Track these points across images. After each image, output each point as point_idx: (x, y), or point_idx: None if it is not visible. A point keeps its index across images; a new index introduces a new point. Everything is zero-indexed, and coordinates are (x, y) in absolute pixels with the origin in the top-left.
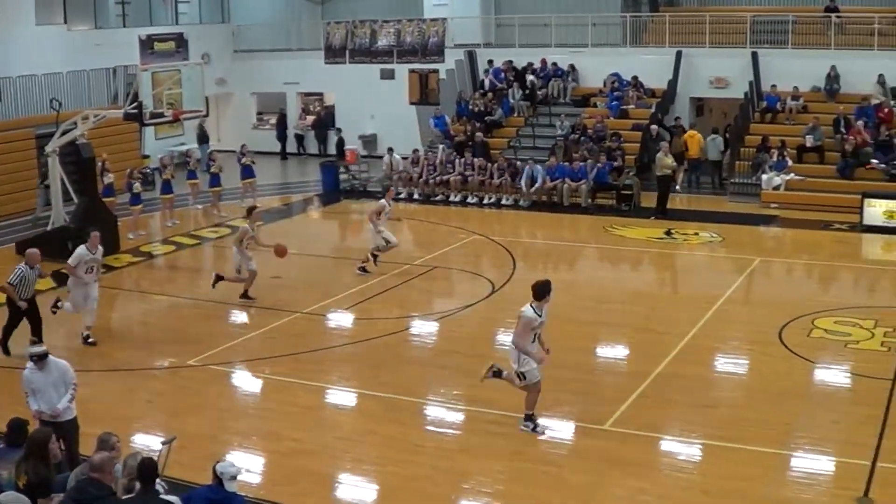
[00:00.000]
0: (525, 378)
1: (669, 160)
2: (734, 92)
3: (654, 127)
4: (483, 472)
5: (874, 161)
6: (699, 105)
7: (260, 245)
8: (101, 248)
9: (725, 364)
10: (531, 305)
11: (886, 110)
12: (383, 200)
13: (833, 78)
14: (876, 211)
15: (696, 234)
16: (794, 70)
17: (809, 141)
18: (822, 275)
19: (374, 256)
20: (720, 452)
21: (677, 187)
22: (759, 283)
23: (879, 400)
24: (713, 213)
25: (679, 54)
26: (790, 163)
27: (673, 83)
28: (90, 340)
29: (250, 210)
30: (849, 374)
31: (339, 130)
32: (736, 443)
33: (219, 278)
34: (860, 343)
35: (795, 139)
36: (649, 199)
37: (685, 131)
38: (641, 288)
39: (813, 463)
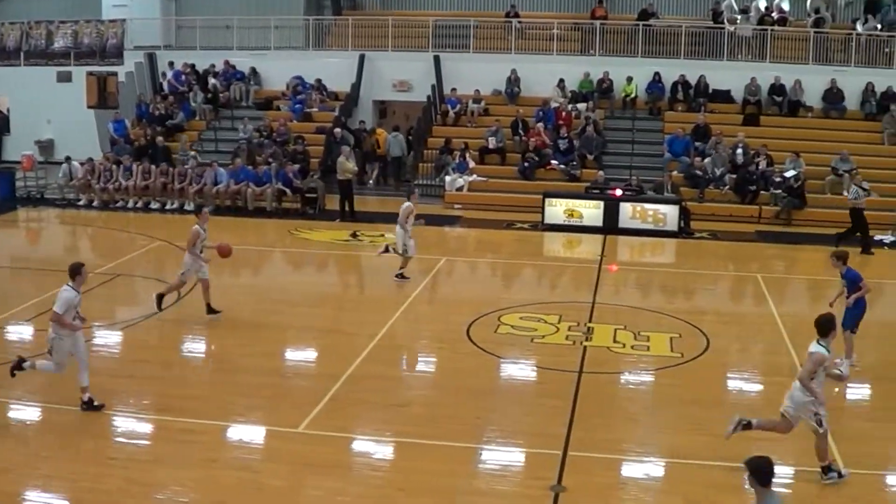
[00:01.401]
0: (823, 423)
1: (351, 164)
2: (417, 95)
3: (337, 130)
4: (177, 482)
5: (554, 162)
6: (383, 108)
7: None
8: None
9: (416, 363)
10: (819, 343)
11: (564, 113)
12: (409, 203)
13: (514, 81)
14: (557, 210)
15: (383, 235)
16: (475, 74)
17: (491, 143)
18: (506, 273)
19: (387, 249)
20: (415, 449)
21: (370, 182)
22: (446, 283)
23: (567, 392)
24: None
25: (362, 58)
26: (472, 164)
27: (356, 86)
28: (96, 403)
29: (199, 209)
30: (536, 368)
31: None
32: (430, 439)
33: (160, 297)
34: (546, 337)
35: (477, 141)
36: (334, 202)
37: (374, 130)
38: (329, 290)
39: (506, 455)
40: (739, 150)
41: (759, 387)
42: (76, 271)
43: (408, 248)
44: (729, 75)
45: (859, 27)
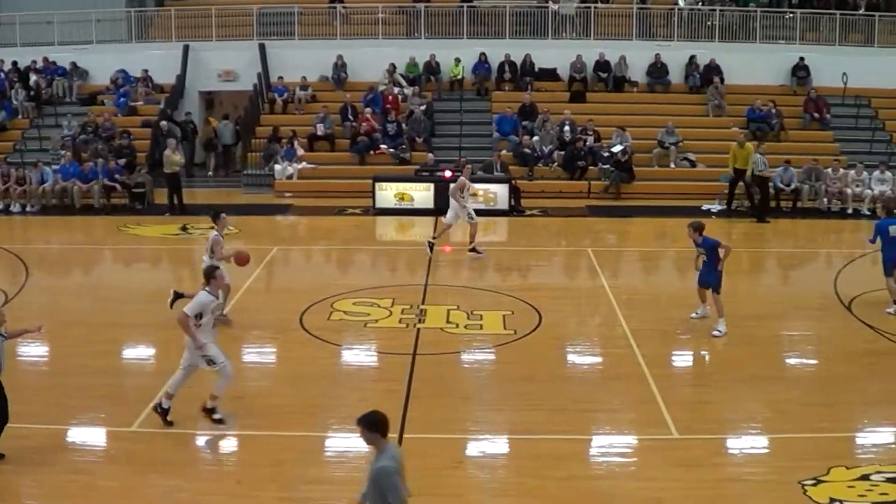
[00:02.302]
0: None
1: (178, 157)
2: (243, 84)
3: (163, 123)
4: (10, 488)
5: (383, 146)
6: (209, 98)
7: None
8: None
9: (250, 354)
10: None
11: (391, 97)
12: (463, 177)
13: (340, 67)
14: (387, 194)
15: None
16: (301, 61)
17: (320, 129)
18: (339, 259)
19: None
20: (252, 441)
21: (210, 173)
22: (278, 272)
23: (401, 374)
24: (228, 205)
25: (186, 48)
26: (301, 152)
27: (182, 78)
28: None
29: (217, 215)
30: (371, 353)
31: None
32: (267, 430)
33: (178, 296)
34: (379, 322)
35: (306, 128)
36: (163, 196)
37: (209, 120)
38: (161, 286)
39: (343, 441)
40: (567, 127)
41: (592, 359)
42: (211, 274)
43: (471, 215)
44: (554, 54)
45: (681, 2)
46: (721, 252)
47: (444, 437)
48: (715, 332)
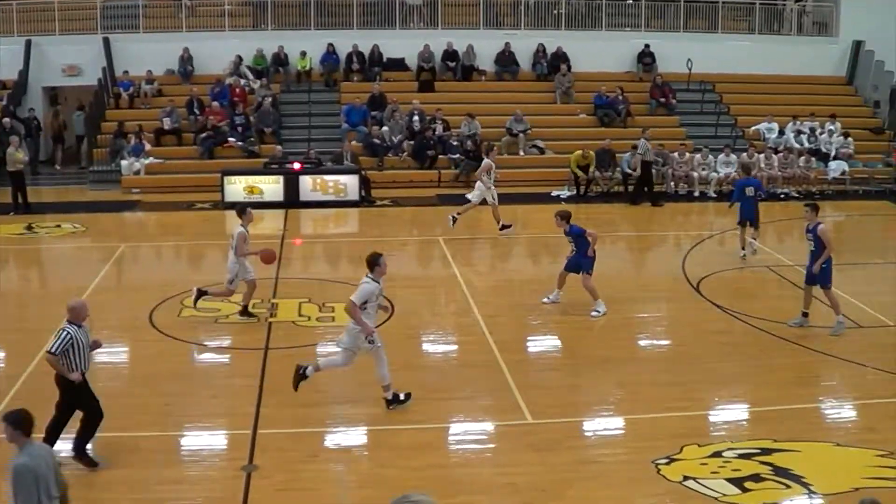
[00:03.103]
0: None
1: (21, 154)
2: (87, 79)
3: (6, 120)
4: None
5: (231, 139)
6: (53, 94)
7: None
8: None
9: (100, 354)
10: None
11: (239, 90)
12: (488, 160)
13: (186, 60)
14: (236, 188)
15: (59, 226)
16: (147, 54)
17: (167, 124)
18: (189, 254)
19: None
20: (102, 444)
21: (58, 167)
22: (127, 269)
23: (254, 370)
24: (75, 203)
25: (29, 43)
26: (148, 147)
27: (24, 73)
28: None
29: (243, 210)
30: (222, 349)
31: None
32: (118, 432)
33: (201, 293)
34: (230, 317)
35: (153, 123)
36: (7, 195)
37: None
38: (8, 287)
39: (197, 440)
40: (416, 117)
41: (446, 347)
42: (375, 262)
43: (495, 198)
44: (402, 44)
45: None
46: (589, 238)
47: (300, 431)
48: (593, 313)
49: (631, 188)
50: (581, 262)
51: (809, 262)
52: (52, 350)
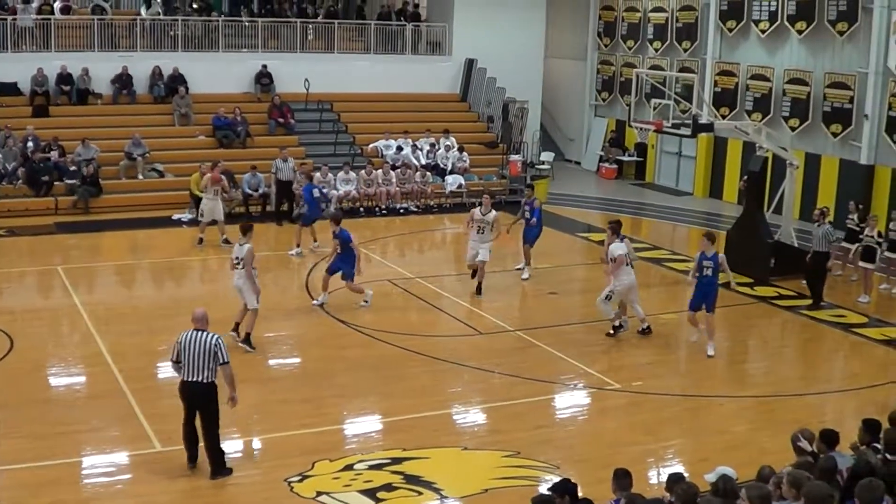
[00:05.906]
0: None
1: None
2: None
3: None
4: None
5: None
6: None
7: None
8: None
9: None
10: None
11: None
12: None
13: None
14: None
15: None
16: None
17: None
18: None
19: None
20: None
21: None
22: None
23: None
24: None
25: None
26: None
27: None
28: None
29: (249, 227)
30: None
31: None
32: None
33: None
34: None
35: None
36: None
37: None
38: None
39: None
40: (31, 143)
41: (69, 380)
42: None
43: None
44: (14, 67)
45: (143, 13)
46: (354, 248)
47: None
48: (315, 303)
49: (252, 208)
50: (342, 266)
51: (702, 291)
52: (228, 360)
